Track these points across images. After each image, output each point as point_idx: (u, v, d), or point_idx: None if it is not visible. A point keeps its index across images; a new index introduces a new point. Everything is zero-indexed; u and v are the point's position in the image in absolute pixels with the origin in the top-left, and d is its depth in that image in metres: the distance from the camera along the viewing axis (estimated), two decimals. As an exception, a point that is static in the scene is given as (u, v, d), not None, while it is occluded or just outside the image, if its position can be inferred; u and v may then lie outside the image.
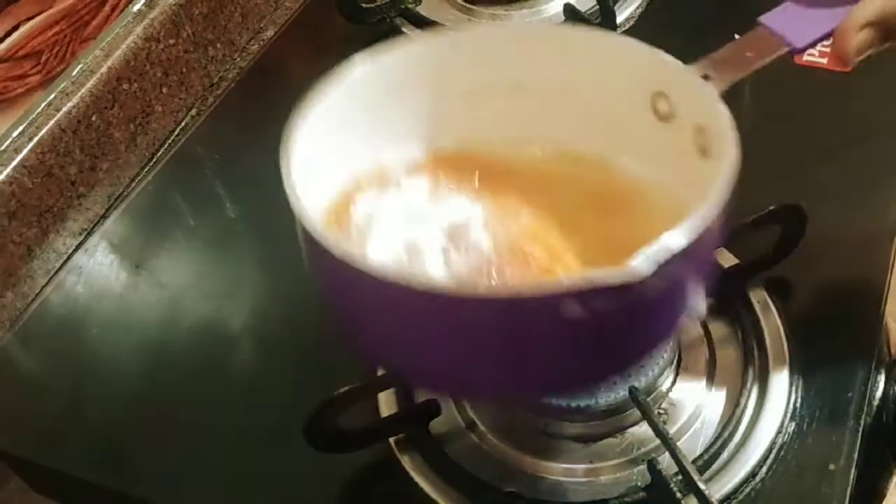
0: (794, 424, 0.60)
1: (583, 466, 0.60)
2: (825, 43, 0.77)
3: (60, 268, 0.82)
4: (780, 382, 0.62)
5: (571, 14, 0.88)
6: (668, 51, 0.53)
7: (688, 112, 0.53)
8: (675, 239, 0.42)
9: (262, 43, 0.98)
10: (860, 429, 0.59)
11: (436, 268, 0.51)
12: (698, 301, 0.48)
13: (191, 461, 0.66)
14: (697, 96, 0.52)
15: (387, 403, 0.64)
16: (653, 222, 0.52)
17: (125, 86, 0.85)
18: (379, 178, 0.58)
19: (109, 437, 0.68)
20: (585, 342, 0.45)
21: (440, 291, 0.43)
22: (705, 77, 0.53)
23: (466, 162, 0.60)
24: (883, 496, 0.64)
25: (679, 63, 0.53)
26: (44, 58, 0.82)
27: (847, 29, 0.53)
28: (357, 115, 0.56)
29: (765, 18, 0.56)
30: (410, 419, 0.62)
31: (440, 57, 0.57)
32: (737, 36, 0.56)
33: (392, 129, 0.58)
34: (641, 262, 0.41)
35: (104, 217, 0.85)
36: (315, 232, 0.46)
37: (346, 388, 0.58)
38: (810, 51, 0.78)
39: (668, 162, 0.55)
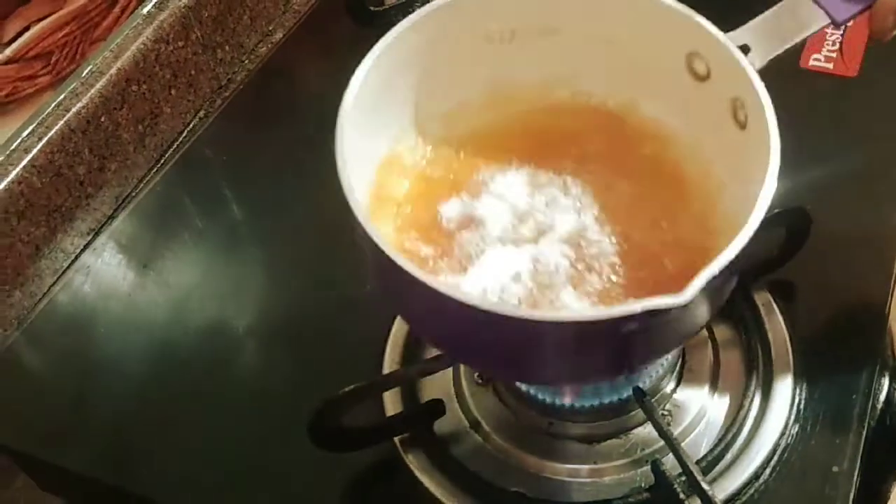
0: (797, 427, 0.60)
1: (586, 467, 0.61)
2: (831, 47, 0.78)
3: (68, 267, 0.82)
4: (784, 385, 0.62)
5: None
6: (706, 14, 0.54)
7: (724, 81, 0.53)
8: (726, 258, 0.45)
9: (270, 45, 0.98)
10: (864, 431, 0.59)
11: (569, 296, 0.54)
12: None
13: (195, 460, 0.66)
14: (735, 68, 0.52)
15: (392, 403, 0.64)
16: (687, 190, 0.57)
17: (134, 87, 0.86)
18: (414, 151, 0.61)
19: (115, 436, 0.69)
20: (626, 347, 0.49)
21: (523, 317, 0.46)
22: (744, 48, 0.53)
23: (502, 130, 0.62)
24: (886, 499, 0.64)
25: (717, 31, 0.53)
26: (54, 59, 0.83)
27: (887, 4, 0.53)
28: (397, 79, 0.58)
29: None
30: (415, 419, 0.63)
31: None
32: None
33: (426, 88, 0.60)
34: (696, 287, 0.43)
35: (112, 217, 0.85)
36: (403, 265, 0.47)
37: (349, 387, 0.58)
38: (815, 55, 0.79)
39: (702, 122, 0.56)
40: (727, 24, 0.55)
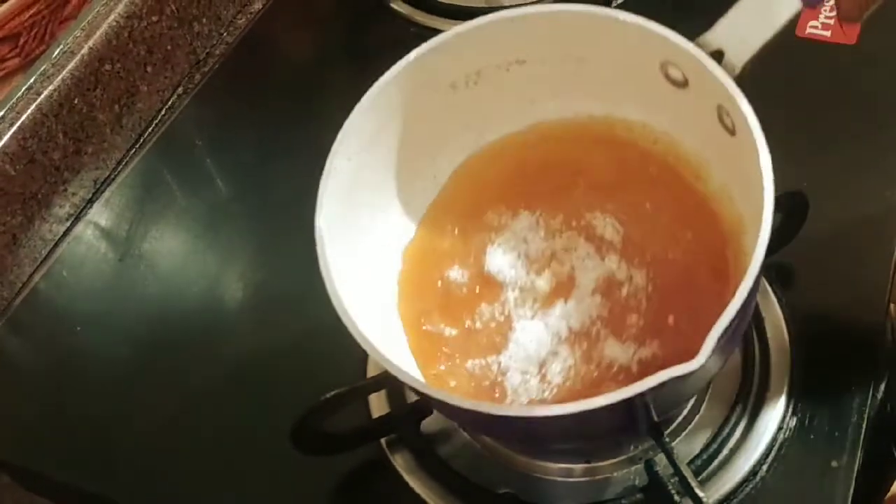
0: (795, 420, 0.59)
1: (579, 466, 0.59)
2: (828, 14, 0.75)
3: (48, 255, 0.80)
4: (782, 377, 0.60)
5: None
6: (669, 23, 0.52)
7: (703, 90, 0.51)
8: (731, 312, 0.43)
9: (249, 17, 0.95)
10: (863, 425, 0.58)
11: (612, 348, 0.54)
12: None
13: (177, 461, 0.65)
14: (711, 80, 0.50)
15: (377, 404, 0.62)
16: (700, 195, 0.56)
17: (108, 66, 0.83)
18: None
19: (96, 438, 0.68)
20: (639, 411, 0.48)
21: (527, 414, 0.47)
22: (718, 54, 0.51)
23: (498, 175, 0.61)
24: (887, 489, 0.62)
25: (687, 43, 0.51)
26: (22, 40, 0.80)
27: None
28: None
29: None
30: (401, 419, 0.61)
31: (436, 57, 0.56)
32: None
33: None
34: (709, 347, 0.42)
35: (91, 202, 0.83)
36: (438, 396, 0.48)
37: (332, 392, 0.57)
38: (812, 22, 0.75)
39: (695, 128, 0.54)
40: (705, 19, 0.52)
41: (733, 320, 0.43)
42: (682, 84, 0.52)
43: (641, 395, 0.43)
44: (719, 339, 0.42)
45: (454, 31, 0.56)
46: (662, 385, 0.42)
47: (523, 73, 0.58)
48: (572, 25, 0.55)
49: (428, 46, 0.55)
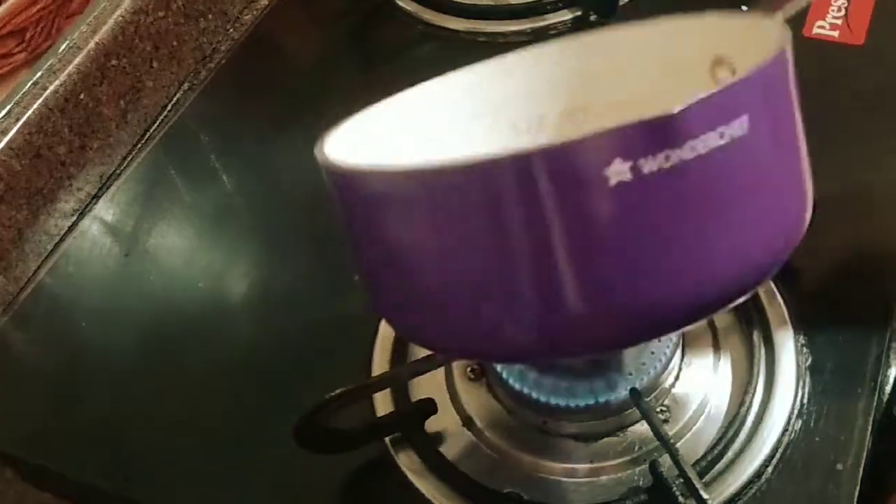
0: (800, 422, 0.59)
1: (583, 466, 0.59)
2: (836, 14, 0.75)
3: (53, 250, 0.80)
4: (787, 378, 0.60)
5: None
6: None
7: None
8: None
9: (255, 13, 0.95)
10: (869, 426, 0.58)
11: None
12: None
13: (182, 458, 0.65)
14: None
15: (382, 402, 0.62)
16: None
17: (114, 61, 0.83)
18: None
19: (101, 432, 0.67)
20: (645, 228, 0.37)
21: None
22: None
23: None
24: (892, 492, 0.62)
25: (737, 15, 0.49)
26: (28, 35, 0.80)
27: None
28: None
29: None
30: (406, 418, 0.61)
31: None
32: (744, 8, 0.53)
33: None
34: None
35: (96, 197, 0.83)
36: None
37: (338, 390, 0.57)
38: (820, 22, 0.75)
39: None
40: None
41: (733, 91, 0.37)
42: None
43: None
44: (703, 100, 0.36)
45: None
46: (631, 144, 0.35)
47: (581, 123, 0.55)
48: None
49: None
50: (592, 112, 0.55)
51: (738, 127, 0.37)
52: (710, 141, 0.36)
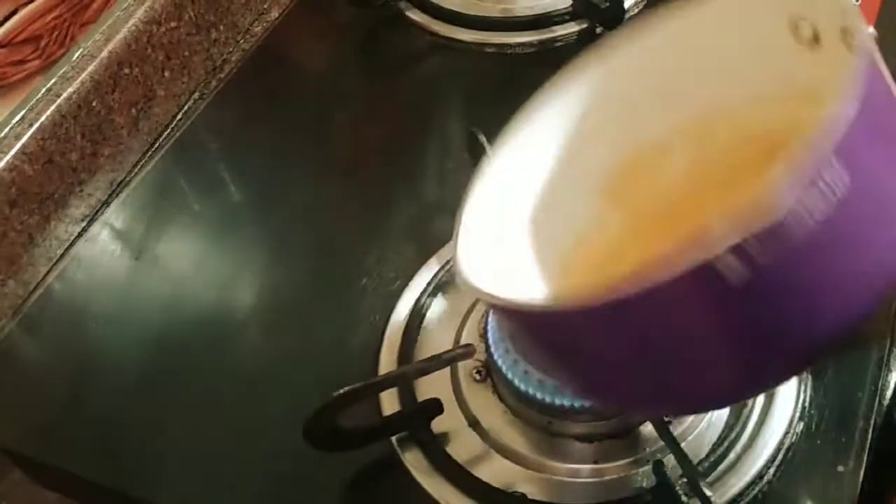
0: (802, 425, 0.59)
1: (587, 466, 0.59)
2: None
3: (62, 255, 0.81)
4: (790, 381, 0.60)
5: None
6: None
7: (831, 21, 0.45)
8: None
9: (265, 25, 0.96)
10: (870, 429, 0.58)
11: None
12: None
13: (189, 457, 0.65)
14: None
15: (389, 401, 0.63)
16: None
17: (126, 70, 0.84)
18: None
19: (110, 433, 0.68)
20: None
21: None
22: None
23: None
24: (894, 492, 0.62)
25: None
26: (43, 43, 0.81)
27: None
28: None
29: None
30: (412, 417, 0.62)
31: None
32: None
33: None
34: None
35: (106, 203, 0.84)
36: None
37: (345, 388, 0.57)
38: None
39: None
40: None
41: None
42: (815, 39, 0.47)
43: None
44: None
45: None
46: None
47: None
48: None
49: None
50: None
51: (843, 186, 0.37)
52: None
